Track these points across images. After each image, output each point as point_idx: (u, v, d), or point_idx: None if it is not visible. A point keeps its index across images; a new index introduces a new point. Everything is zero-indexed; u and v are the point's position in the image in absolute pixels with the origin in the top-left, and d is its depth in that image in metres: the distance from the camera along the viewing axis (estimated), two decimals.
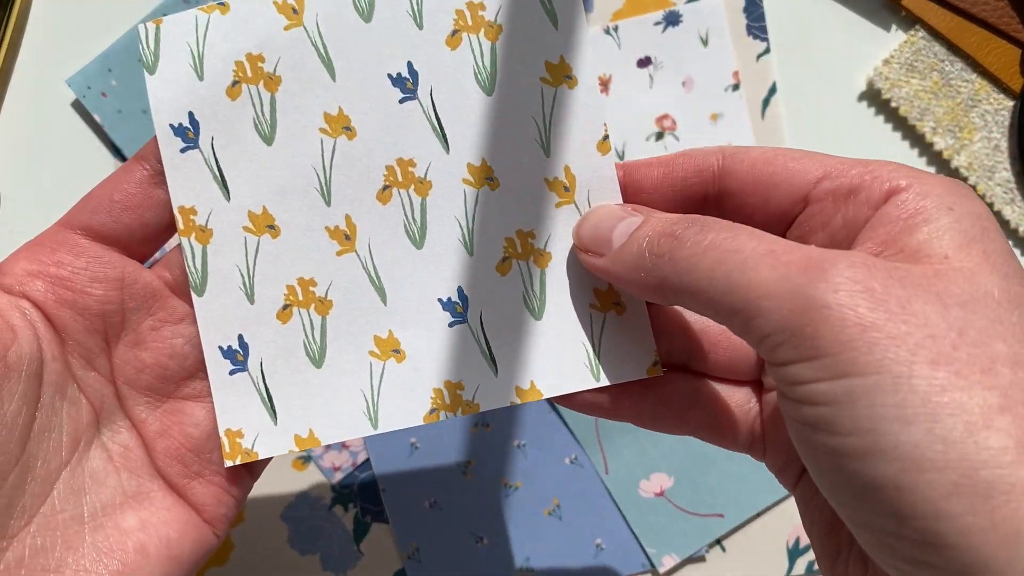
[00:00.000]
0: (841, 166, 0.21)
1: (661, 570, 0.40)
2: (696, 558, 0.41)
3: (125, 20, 0.39)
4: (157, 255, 0.37)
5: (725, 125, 0.41)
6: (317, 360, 0.24)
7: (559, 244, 0.24)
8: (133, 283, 0.24)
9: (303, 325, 0.24)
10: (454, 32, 0.24)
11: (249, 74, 0.24)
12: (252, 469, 0.25)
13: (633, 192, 0.24)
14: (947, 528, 0.15)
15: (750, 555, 0.41)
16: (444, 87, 0.24)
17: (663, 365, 0.24)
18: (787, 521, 0.41)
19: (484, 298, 0.24)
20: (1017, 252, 0.42)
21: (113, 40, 0.39)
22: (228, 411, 0.24)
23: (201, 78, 0.24)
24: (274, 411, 0.24)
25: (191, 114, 0.24)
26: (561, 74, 0.24)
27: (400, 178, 0.24)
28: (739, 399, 0.25)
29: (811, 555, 0.41)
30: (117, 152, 0.40)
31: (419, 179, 0.24)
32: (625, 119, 0.40)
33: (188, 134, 0.24)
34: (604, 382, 0.24)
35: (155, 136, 0.24)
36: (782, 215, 0.22)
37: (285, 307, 0.24)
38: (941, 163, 0.41)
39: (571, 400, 0.24)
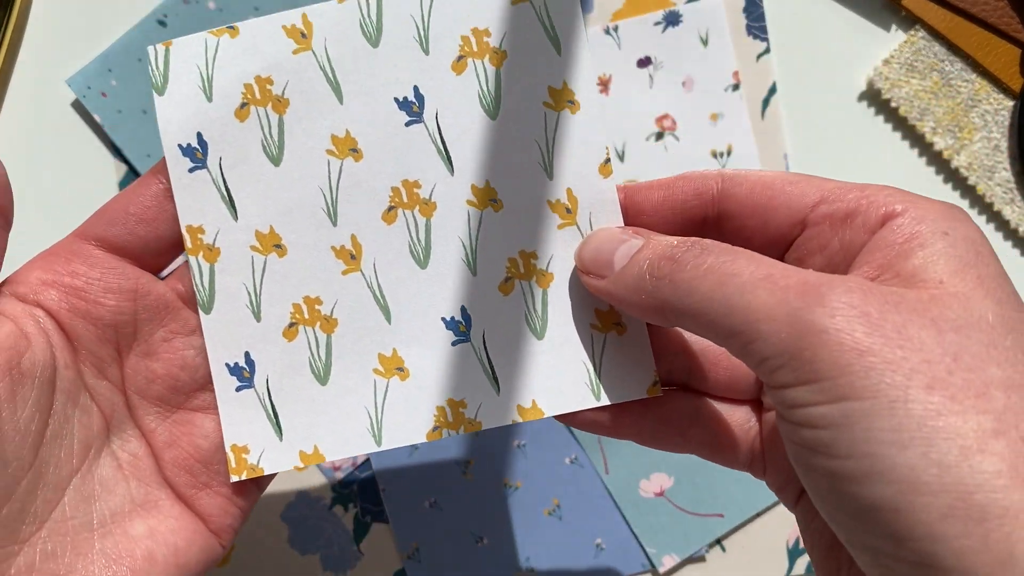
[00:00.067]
0: (838, 190, 0.21)
1: (661, 570, 0.40)
2: (696, 558, 0.41)
3: (125, 20, 0.39)
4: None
5: (725, 125, 0.41)
6: (322, 377, 0.25)
7: (561, 265, 0.24)
8: (146, 294, 0.24)
9: (309, 343, 0.25)
10: (460, 57, 0.24)
11: (258, 96, 0.24)
12: (259, 482, 0.26)
13: (634, 214, 0.24)
14: (942, 550, 0.16)
15: (750, 555, 0.41)
16: (449, 111, 0.24)
17: (664, 384, 0.25)
18: (787, 521, 0.41)
19: (487, 317, 0.24)
20: (1017, 252, 0.42)
21: (113, 40, 0.39)
22: (234, 427, 0.25)
23: (210, 99, 0.24)
24: (279, 427, 0.25)
25: (199, 135, 0.24)
26: (564, 99, 0.24)
27: (405, 199, 0.24)
28: (739, 418, 0.25)
29: None
30: (117, 152, 0.40)
31: (424, 200, 0.24)
32: (625, 119, 0.40)
33: (196, 154, 0.24)
34: (604, 401, 0.24)
35: None
36: (780, 238, 0.22)
37: (291, 325, 0.25)
38: (941, 163, 0.41)
39: (572, 418, 0.25)
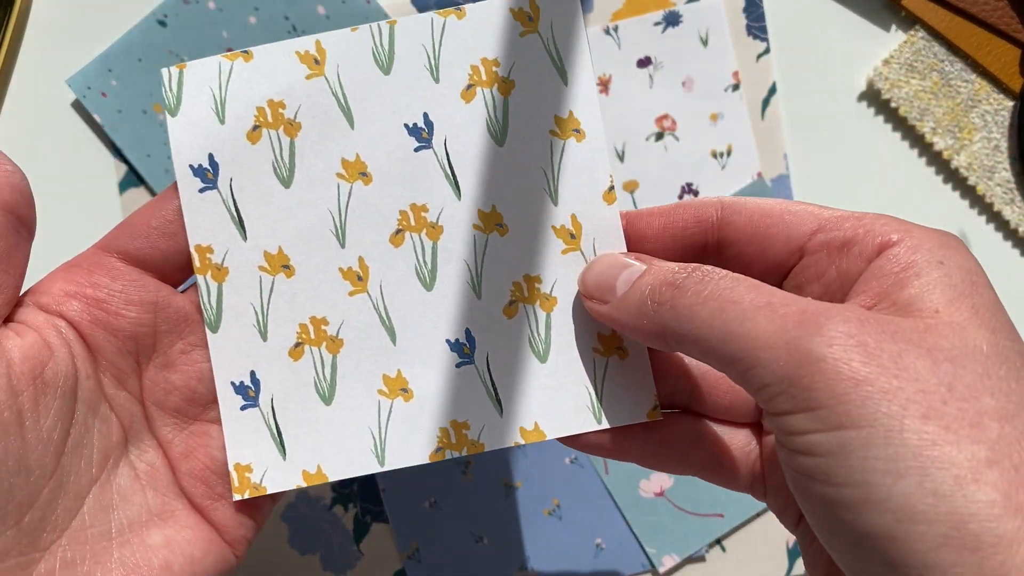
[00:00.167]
0: (835, 219, 0.21)
1: (661, 570, 0.40)
2: (696, 558, 0.41)
3: (125, 20, 0.39)
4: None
5: (725, 125, 0.41)
6: (327, 397, 0.25)
7: (564, 289, 0.25)
8: (166, 307, 0.24)
9: (314, 363, 0.25)
10: (469, 86, 0.25)
11: (270, 119, 0.25)
12: (272, 495, 0.26)
13: (636, 240, 0.24)
14: None
15: (750, 555, 0.41)
16: (458, 137, 0.25)
17: (665, 407, 0.25)
18: None
19: (491, 340, 0.25)
20: (1016, 252, 0.42)
21: (113, 40, 0.39)
22: (238, 445, 0.25)
23: (222, 121, 0.25)
24: (283, 447, 0.25)
25: (211, 156, 0.25)
26: (570, 128, 0.25)
27: (413, 222, 0.25)
28: (740, 441, 0.25)
29: None
30: (117, 152, 0.40)
31: (431, 224, 0.25)
32: (625, 119, 0.40)
33: (207, 175, 0.25)
34: (605, 425, 0.25)
35: None
36: (779, 265, 0.22)
37: (297, 345, 0.25)
38: (941, 163, 0.41)
39: (574, 441, 0.25)
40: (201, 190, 0.25)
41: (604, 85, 0.41)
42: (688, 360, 0.25)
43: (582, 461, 0.40)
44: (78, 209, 0.40)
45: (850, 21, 0.41)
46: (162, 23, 0.39)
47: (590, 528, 0.40)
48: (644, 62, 0.41)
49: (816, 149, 0.41)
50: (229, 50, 0.39)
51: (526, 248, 0.25)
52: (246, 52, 0.25)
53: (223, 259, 0.25)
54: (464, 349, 0.25)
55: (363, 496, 0.40)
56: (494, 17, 0.25)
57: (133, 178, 0.40)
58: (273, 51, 0.25)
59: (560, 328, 0.25)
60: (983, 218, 0.42)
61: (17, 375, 0.21)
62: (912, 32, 0.40)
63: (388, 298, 0.25)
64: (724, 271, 0.20)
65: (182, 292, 0.25)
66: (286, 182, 0.25)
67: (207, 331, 0.25)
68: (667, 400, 0.25)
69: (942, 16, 0.40)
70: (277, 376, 0.25)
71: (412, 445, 0.25)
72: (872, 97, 0.41)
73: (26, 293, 0.24)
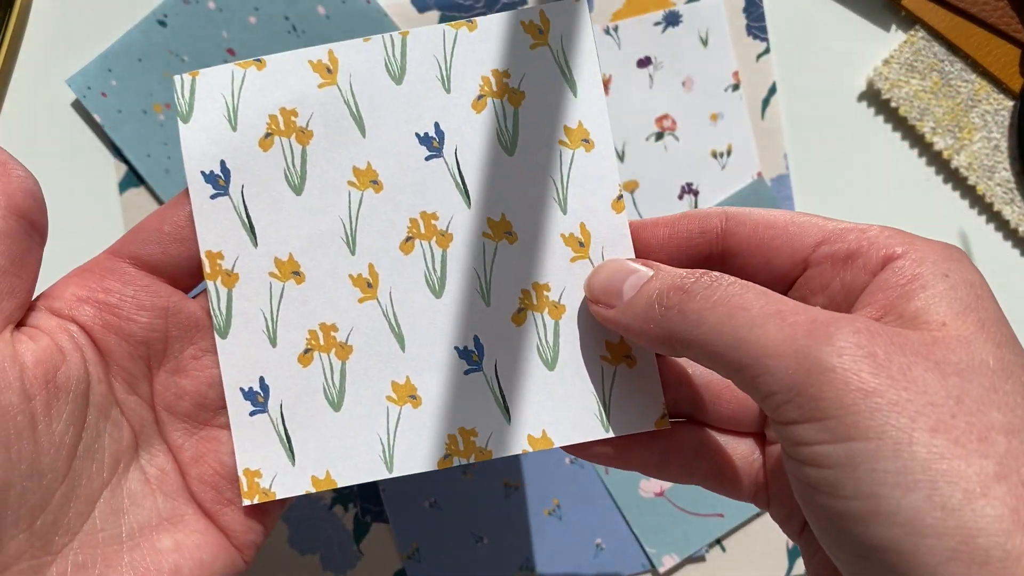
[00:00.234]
0: (839, 231, 0.22)
1: (661, 570, 0.40)
2: (696, 558, 0.41)
3: (125, 20, 0.39)
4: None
5: (725, 125, 0.41)
6: (336, 403, 0.25)
7: (573, 297, 0.25)
8: (177, 312, 0.25)
9: (323, 369, 0.25)
10: (480, 97, 0.25)
11: (282, 127, 0.25)
12: (281, 500, 0.26)
13: (641, 250, 0.24)
14: None
15: (750, 555, 0.41)
16: (468, 147, 0.25)
17: (669, 416, 0.25)
18: None
19: (499, 348, 0.25)
20: (1016, 252, 0.42)
21: (113, 40, 0.39)
22: (247, 451, 0.25)
23: (234, 129, 0.25)
24: (292, 452, 0.25)
25: (223, 162, 0.25)
26: (579, 138, 0.25)
27: (423, 230, 0.25)
28: (743, 451, 0.25)
29: None
30: (117, 152, 0.40)
31: (441, 232, 0.25)
32: (625, 119, 0.40)
33: (219, 181, 0.25)
34: (613, 433, 0.25)
35: None
36: (783, 277, 0.23)
37: (306, 351, 0.25)
38: (941, 163, 0.41)
39: (580, 450, 0.25)
40: (212, 196, 0.25)
41: (604, 85, 0.41)
42: (691, 369, 0.26)
43: (582, 461, 0.40)
44: (78, 209, 0.40)
45: (850, 21, 0.41)
46: (162, 23, 0.39)
47: (590, 528, 0.40)
48: (644, 62, 0.41)
49: (816, 149, 0.41)
50: (229, 50, 0.39)
51: (535, 256, 0.25)
52: (259, 60, 0.25)
53: (233, 265, 0.25)
54: (472, 356, 0.25)
55: (363, 496, 0.40)
56: (505, 29, 0.25)
57: (133, 178, 0.40)
58: (286, 60, 0.25)
59: (568, 336, 0.25)
60: (983, 218, 0.42)
61: (30, 379, 0.21)
62: (912, 32, 0.40)
63: (397, 305, 0.25)
64: (732, 277, 0.20)
65: (193, 298, 0.25)
66: (297, 189, 0.25)
67: (216, 337, 0.25)
68: (670, 409, 0.25)
69: (942, 16, 0.40)
70: (286, 382, 0.25)
71: (420, 452, 0.25)
72: (872, 97, 0.41)
73: (38, 298, 0.24)
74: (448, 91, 0.25)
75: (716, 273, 0.21)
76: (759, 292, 0.20)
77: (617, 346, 0.25)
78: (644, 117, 0.41)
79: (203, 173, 0.25)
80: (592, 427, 0.25)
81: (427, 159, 0.25)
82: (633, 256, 0.25)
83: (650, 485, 0.40)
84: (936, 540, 0.16)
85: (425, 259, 0.25)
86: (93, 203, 0.40)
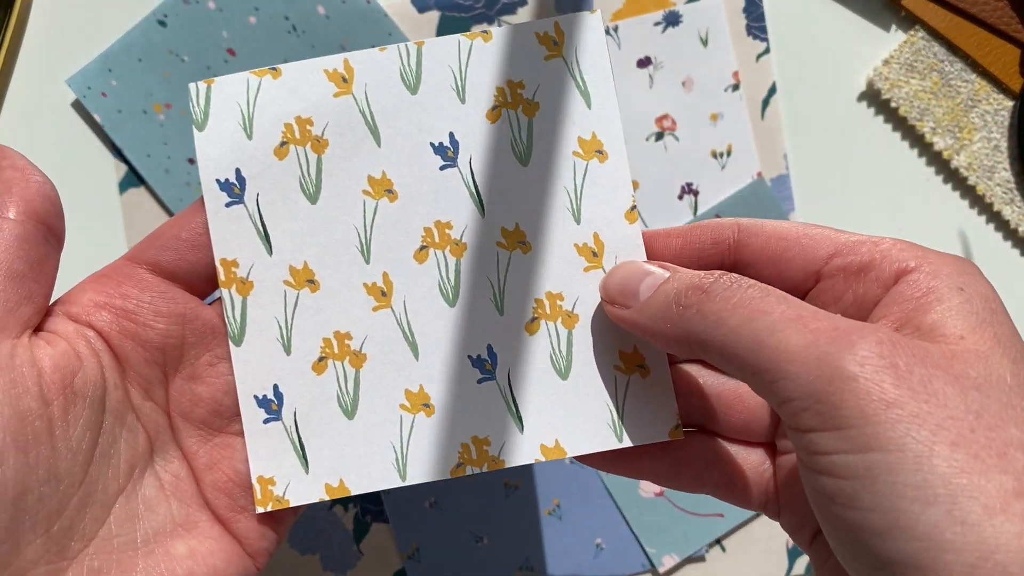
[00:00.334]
0: (851, 244, 0.22)
1: (661, 570, 0.40)
2: (696, 558, 0.41)
3: (125, 20, 0.39)
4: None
5: (725, 125, 0.41)
6: (350, 412, 0.25)
7: (587, 307, 0.25)
8: (194, 319, 0.25)
9: (337, 377, 0.25)
10: (494, 107, 0.25)
11: (297, 136, 0.25)
12: (295, 508, 0.26)
13: (654, 260, 0.24)
14: None
15: (750, 555, 0.41)
16: (483, 157, 0.25)
17: (680, 425, 0.25)
18: None
19: (512, 357, 0.25)
20: (1016, 252, 0.42)
21: (113, 40, 0.39)
22: (261, 459, 0.25)
23: (250, 137, 0.25)
24: (306, 460, 0.25)
25: (238, 171, 0.25)
26: (593, 149, 0.25)
27: (437, 239, 0.25)
28: (754, 461, 0.25)
29: None
30: (117, 152, 0.40)
31: (455, 241, 0.25)
32: (625, 119, 0.40)
33: (234, 189, 0.25)
34: (627, 443, 0.24)
35: None
36: (795, 288, 0.22)
37: (321, 359, 0.25)
38: (941, 163, 0.41)
39: (592, 459, 0.25)
40: (228, 204, 0.25)
41: None
42: (702, 379, 0.26)
43: None
44: (78, 209, 0.40)
45: (850, 21, 0.41)
46: (162, 23, 0.39)
47: (590, 528, 0.40)
48: (644, 62, 0.41)
49: (816, 149, 0.41)
50: (229, 50, 0.39)
51: (548, 266, 0.25)
52: (274, 69, 0.25)
53: (248, 273, 0.25)
54: (486, 365, 0.25)
55: (363, 496, 0.40)
56: (520, 41, 0.25)
57: (133, 178, 0.40)
58: (301, 69, 0.25)
59: (582, 345, 0.25)
60: (983, 218, 0.42)
61: (48, 384, 0.21)
62: (912, 32, 0.40)
63: (411, 314, 0.25)
64: (752, 280, 0.20)
65: (210, 304, 0.25)
66: (312, 198, 0.25)
67: (231, 345, 0.25)
68: (682, 419, 0.25)
69: (942, 16, 0.40)
70: (300, 390, 0.25)
71: (433, 460, 0.25)
72: (872, 97, 0.41)
73: (56, 303, 0.24)
74: (463, 101, 0.25)
75: (735, 275, 0.21)
76: (780, 296, 0.19)
77: (630, 356, 0.25)
78: (644, 117, 0.41)
79: (218, 181, 0.25)
80: (605, 437, 0.24)
81: (442, 169, 0.25)
82: None
83: (650, 485, 0.40)
84: (955, 555, 0.16)
85: (439, 268, 0.25)
86: (93, 203, 0.40)
